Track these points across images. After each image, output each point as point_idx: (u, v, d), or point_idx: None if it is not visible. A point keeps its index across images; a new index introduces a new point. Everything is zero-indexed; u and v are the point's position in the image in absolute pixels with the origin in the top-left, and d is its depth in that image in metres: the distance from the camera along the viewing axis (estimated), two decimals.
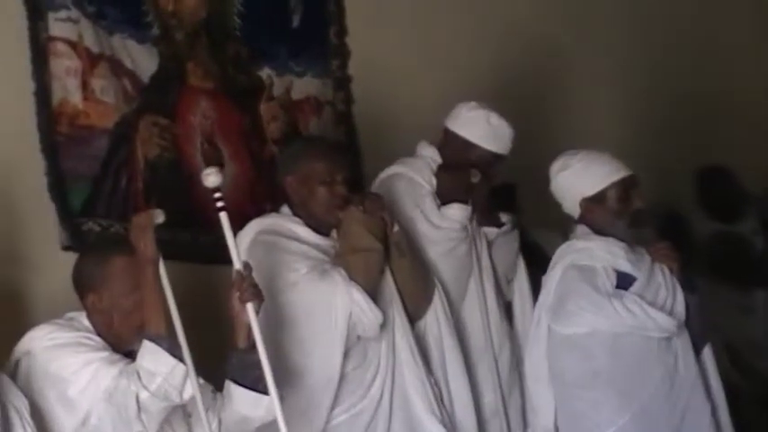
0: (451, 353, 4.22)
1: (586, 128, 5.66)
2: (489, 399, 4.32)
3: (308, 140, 4.67)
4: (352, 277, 3.95)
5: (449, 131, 4.41)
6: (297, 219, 4.08)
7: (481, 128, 4.36)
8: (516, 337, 4.46)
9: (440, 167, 4.38)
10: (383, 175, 4.42)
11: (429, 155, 4.42)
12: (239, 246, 3.98)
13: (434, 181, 4.36)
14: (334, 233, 4.14)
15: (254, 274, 3.58)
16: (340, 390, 3.95)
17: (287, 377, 3.77)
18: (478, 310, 4.33)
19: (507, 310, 4.50)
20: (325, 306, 3.93)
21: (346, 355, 3.95)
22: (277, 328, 3.86)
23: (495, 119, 4.37)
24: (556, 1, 5.91)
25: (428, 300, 4.21)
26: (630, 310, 4.08)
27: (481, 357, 4.33)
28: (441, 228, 4.29)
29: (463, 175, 4.30)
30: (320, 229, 4.08)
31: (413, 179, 4.34)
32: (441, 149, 4.42)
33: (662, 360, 4.12)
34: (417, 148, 4.46)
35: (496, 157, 4.38)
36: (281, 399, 3.51)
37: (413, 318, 4.17)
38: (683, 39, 6.44)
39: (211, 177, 3.55)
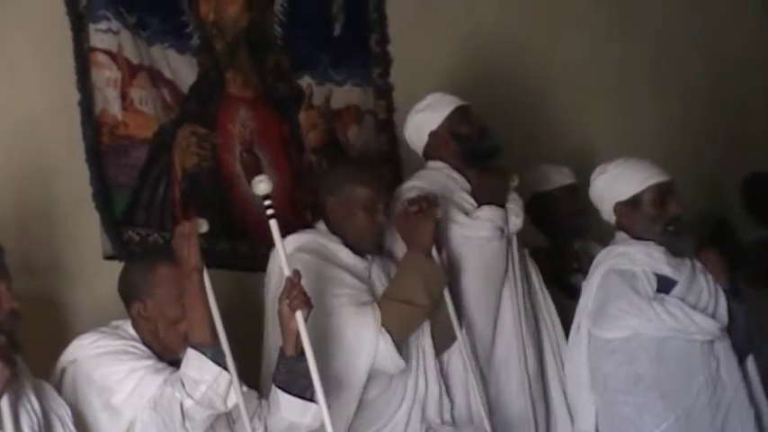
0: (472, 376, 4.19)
1: (636, 138, 5.69)
2: (519, 405, 4.29)
3: (355, 164, 4.64)
4: (386, 323, 3.92)
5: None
6: (335, 237, 4.08)
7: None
8: (542, 342, 4.44)
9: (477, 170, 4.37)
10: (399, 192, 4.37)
11: (439, 166, 4.41)
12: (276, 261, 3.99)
13: (456, 190, 4.34)
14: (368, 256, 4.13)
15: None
16: (367, 414, 3.95)
17: None
18: (511, 314, 4.30)
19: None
20: (354, 344, 3.90)
21: (371, 381, 3.94)
22: None
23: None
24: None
25: (453, 338, 4.17)
26: (672, 314, 4.09)
27: (511, 359, 4.31)
28: (470, 226, 4.26)
29: (501, 178, 4.32)
30: (357, 248, 4.09)
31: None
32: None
33: (705, 364, 4.13)
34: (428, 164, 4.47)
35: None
36: (329, 407, 3.51)
37: (438, 351, 4.16)
38: (726, 44, 6.46)
39: (262, 185, 3.57)
